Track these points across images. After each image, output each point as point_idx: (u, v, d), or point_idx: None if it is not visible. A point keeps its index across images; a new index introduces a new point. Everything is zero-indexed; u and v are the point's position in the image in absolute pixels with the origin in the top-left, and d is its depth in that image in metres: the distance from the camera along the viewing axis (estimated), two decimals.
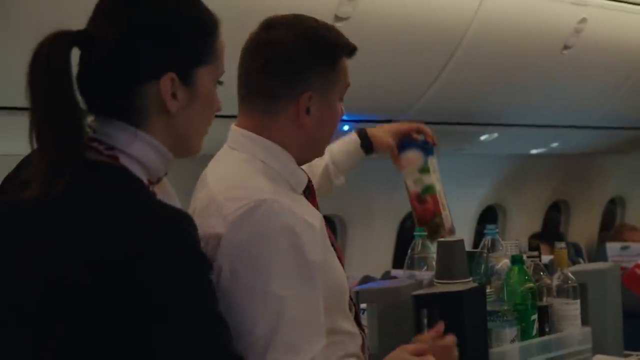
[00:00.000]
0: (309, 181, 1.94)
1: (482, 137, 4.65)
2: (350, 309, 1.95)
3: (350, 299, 1.97)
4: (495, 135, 4.64)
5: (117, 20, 1.47)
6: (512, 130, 4.69)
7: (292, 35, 1.81)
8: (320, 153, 1.96)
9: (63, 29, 1.42)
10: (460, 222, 5.22)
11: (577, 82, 4.36)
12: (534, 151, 5.41)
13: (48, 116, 1.40)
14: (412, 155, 2.25)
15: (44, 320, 1.42)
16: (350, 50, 1.86)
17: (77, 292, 1.38)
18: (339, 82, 1.85)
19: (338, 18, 3.09)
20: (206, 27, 1.53)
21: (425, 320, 2.10)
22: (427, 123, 4.10)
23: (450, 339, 1.91)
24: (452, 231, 2.39)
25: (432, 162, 2.28)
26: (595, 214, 6.38)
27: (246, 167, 1.81)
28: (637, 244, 5.06)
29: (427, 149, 2.27)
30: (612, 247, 5.07)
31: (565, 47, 4.01)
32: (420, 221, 2.36)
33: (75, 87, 1.42)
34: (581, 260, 4.58)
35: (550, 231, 5.64)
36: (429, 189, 2.20)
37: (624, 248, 4.99)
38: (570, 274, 2.43)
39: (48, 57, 1.39)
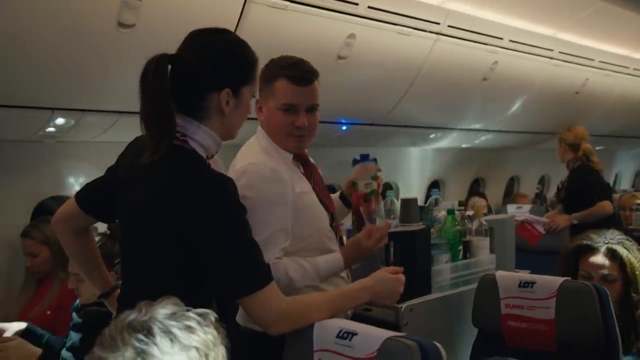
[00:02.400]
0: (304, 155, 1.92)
1: (431, 136, 4.60)
2: (334, 233, 1.92)
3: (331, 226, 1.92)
4: (440, 134, 4.60)
5: (199, 52, 1.46)
6: (450, 132, 4.65)
7: None
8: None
9: (163, 53, 1.42)
10: (417, 189, 5.23)
11: (491, 102, 4.34)
12: (463, 145, 5.35)
13: (153, 110, 1.40)
14: (369, 165, 2.03)
15: (150, 240, 1.44)
16: None
17: (165, 225, 1.40)
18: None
19: (340, 57, 3.05)
20: (251, 60, 1.52)
21: (392, 250, 2.10)
22: (396, 126, 4.15)
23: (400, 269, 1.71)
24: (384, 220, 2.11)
25: (374, 168, 2.05)
26: (501, 186, 6.32)
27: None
28: (526, 205, 5.02)
29: (373, 159, 2.06)
30: (510, 207, 5.03)
31: (484, 79, 3.96)
32: (362, 215, 2.06)
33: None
34: (490, 214, 4.53)
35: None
36: (373, 192, 1.99)
37: (518, 207, 4.95)
38: (483, 221, 2.41)
39: (154, 70, 1.39)
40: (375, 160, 2.05)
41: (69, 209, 1.65)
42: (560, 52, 4.39)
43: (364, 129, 3.93)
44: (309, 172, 1.91)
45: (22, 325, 2.29)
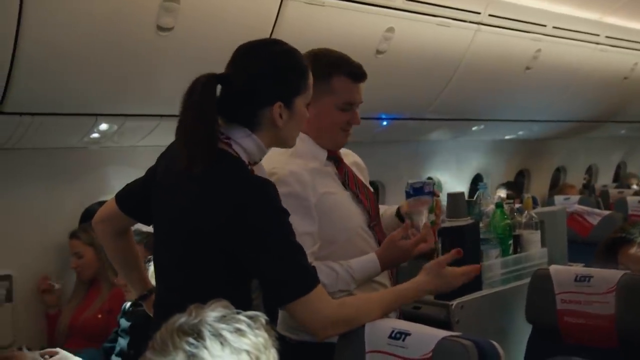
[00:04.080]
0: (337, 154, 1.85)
1: (474, 128, 4.51)
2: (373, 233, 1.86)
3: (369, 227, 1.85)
4: (482, 126, 4.51)
5: (247, 69, 1.45)
6: (493, 124, 4.55)
7: None
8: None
9: (211, 72, 1.41)
10: (462, 183, 5.15)
11: (535, 92, 4.22)
12: (507, 137, 5.24)
13: (195, 126, 1.38)
14: (423, 200, 1.93)
15: (187, 249, 1.43)
16: None
17: (206, 232, 1.38)
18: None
19: (378, 52, 3.01)
20: (301, 70, 1.48)
21: (440, 245, 2.05)
22: (437, 120, 4.07)
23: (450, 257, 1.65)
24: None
25: (438, 202, 1.98)
26: (546, 177, 6.16)
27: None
28: (575, 196, 4.88)
29: (429, 192, 1.94)
30: (558, 199, 4.88)
31: (527, 68, 3.86)
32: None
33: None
34: (537, 207, 4.42)
35: (518, 187, 5.47)
36: (432, 224, 1.93)
37: (566, 199, 4.81)
38: (533, 214, 2.33)
39: (202, 91, 1.37)
40: (431, 192, 1.93)
41: (109, 210, 1.65)
42: (606, 37, 4.24)
43: (405, 124, 3.88)
44: (342, 169, 1.86)
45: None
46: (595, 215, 4.00)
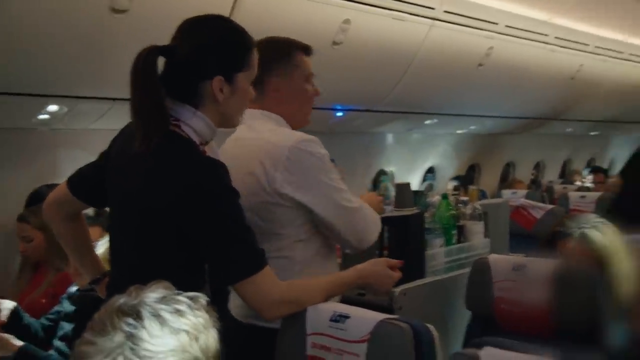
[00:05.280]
0: None
1: (427, 122, 4.58)
2: None
3: None
4: (436, 120, 4.58)
5: (189, 40, 1.43)
6: (446, 118, 4.63)
7: None
8: None
9: (154, 44, 1.40)
10: (414, 175, 5.23)
11: (487, 88, 4.31)
12: (459, 131, 5.33)
13: (143, 102, 1.37)
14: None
15: (143, 227, 1.42)
16: None
17: (157, 211, 1.38)
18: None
19: (335, 43, 3.02)
20: (245, 47, 1.48)
21: (386, 234, 2.10)
22: (391, 112, 4.13)
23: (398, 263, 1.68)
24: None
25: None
26: (496, 172, 6.32)
27: None
28: (522, 191, 5.01)
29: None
30: (505, 193, 5.01)
31: (480, 65, 3.94)
32: None
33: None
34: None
35: (468, 181, 5.58)
36: None
37: (513, 193, 4.94)
38: (478, 206, 2.41)
39: (144, 61, 1.36)
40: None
41: (61, 193, 1.63)
42: (555, 37, 4.37)
43: (360, 115, 3.92)
44: None
45: (12, 304, 2.29)
46: (539, 210, 4.13)
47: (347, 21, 2.98)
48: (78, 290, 2.37)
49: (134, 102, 1.38)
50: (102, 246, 2.09)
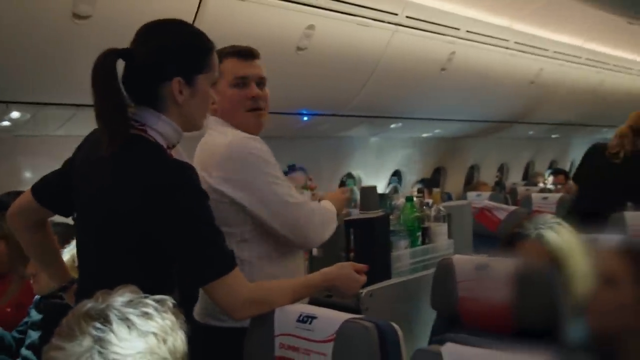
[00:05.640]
0: None
1: (392, 126, 4.64)
2: None
3: None
4: (400, 124, 4.65)
5: (147, 43, 1.44)
6: (410, 122, 4.70)
7: None
8: None
9: (113, 47, 1.40)
10: (380, 178, 5.29)
11: (450, 92, 4.40)
12: (424, 135, 5.42)
13: (105, 105, 1.38)
14: (297, 177, 2.03)
15: (109, 233, 1.42)
16: None
17: (123, 214, 1.38)
18: None
19: (299, 48, 3.06)
20: (203, 49, 1.48)
21: (352, 237, 2.13)
22: (357, 116, 4.18)
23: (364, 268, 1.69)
24: None
25: (305, 177, 2.06)
26: (461, 175, 6.44)
27: None
28: (486, 193, 5.12)
29: (306, 171, 2.07)
30: (470, 195, 5.11)
31: (442, 69, 4.02)
32: None
33: (121, 84, 1.40)
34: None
35: (433, 184, 5.66)
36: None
37: (477, 195, 5.04)
38: (442, 208, 2.46)
39: (103, 64, 1.37)
40: (302, 169, 2.06)
41: (25, 202, 1.61)
42: (515, 42, 4.49)
43: (326, 120, 3.95)
44: None
45: None
46: (503, 211, 4.23)
47: (311, 27, 3.02)
48: (42, 298, 2.34)
49: (96, 104, 1.38)
50: (67, 253, 2.07)
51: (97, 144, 1.42)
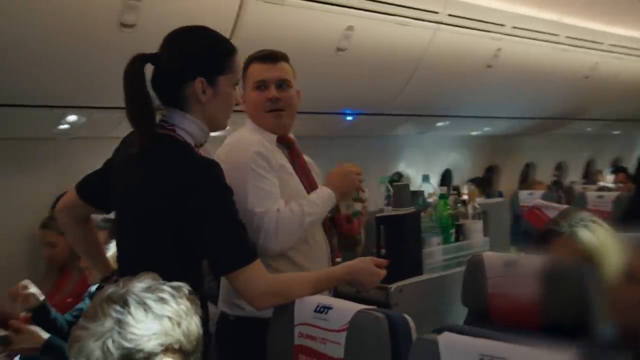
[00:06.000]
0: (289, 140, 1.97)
1: (439, 124, 4.63)
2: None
3: None
4: (447, 122, 4.63)
5: (172, 48, 1.55)
6: (457, 120, 4.67)
7: None
8: None
9: (141, 52, 1.52)
10: (431, 177, 5.26)
11: (497, 89, 4.33)
12: (473, 133, 5.36)
13: (134, 106, 1.49)
14: None
15: (143, 226, 1.52)
16: None
17: (155, 210, 1.48)
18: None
19: (339, 49, 3.11)
20: (225, 51, 1.58)
21: (383, 233, 2.16)
22: (401, 115, 4.20)
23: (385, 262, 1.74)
24: (363, 245, 2.11)
25: (362, 194, 2.00)
26: (516, 173, 6.32)
27: None
28: (539, 191, 5.02)
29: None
30: (522, 193, 5.03)
31: (488, 66, 3.98)
32: (345, 236, 2.04)
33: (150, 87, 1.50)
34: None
35: (485, 183, 5.59)
36: (356, 214, 1.98)
37: (530, 194, 4.95)
38: (477, 205, 2.46)
39: (132, 69, 1.48)
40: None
41: (71, 199, 1.75)
42: (566, 37, 4.38)
43: (370, 119, 3.99)
44: (295, 156, 1.97)
45: (42, 296, 2.41)
46: (553, 210, 4.13)
47: (350, 28, 3.07)
48: (97, 287, 2.50)
49: (126, 106, 1.49)
50: (112, 248, 2.21)
51: (131, 144, 1.53)
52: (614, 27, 4.67)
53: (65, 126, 2.83)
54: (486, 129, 5.22)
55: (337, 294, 1.95)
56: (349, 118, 3.78)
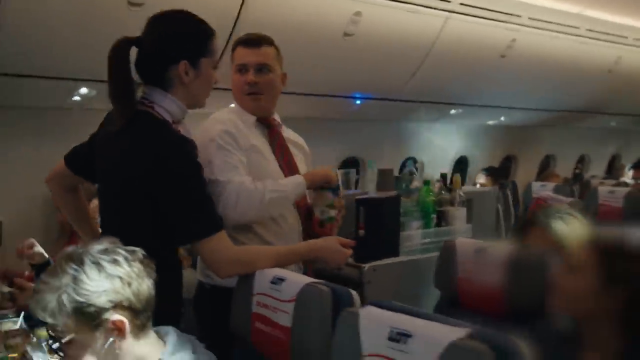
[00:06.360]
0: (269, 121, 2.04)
1: (452, 112, 4.63)
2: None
3: None
4: (460, 110, 4.62)
5: (156, 31, 1.64)
6: (471, 108, 4.65)
7: None
8: None
9: (126, 36, 1.61)
10: (444, 164, 5.30)
11: (512, 79, 4.31)
12: (490, 122, 5.34)
13: (117, 86, 1.59)
14: (325, 194, 1.99)
15: (121, 197, 1.63)
16: None
17: (133, 183, 1.58)
18: None
19: (346, 34, 3.15)
20: (205, 35, 1.67)
21: (361, 214, 2.24)
22: (411, 101, 4.23)
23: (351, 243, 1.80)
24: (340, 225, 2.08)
25: (338, 201, 2.00)
26: (534, 164, 6.26)
27: None
28: (552, 183, 5.00)
29: (335, 191, 2.00)
30: (535, 185, 5.02)
31: (502, 56, 3.97)
32: (316, 234, 2.00)
33: (132, 68, 1.59)
34: (508, 192, 4.55)
35: (500, 173, 5.56)
36: (330, 220, 1.99)
37: (542, 186, 4.94)
38: (461, 193, 2.51)
39: (117, 50, 1.58)
40: (337, 189, 2.02)
41: (60, 168, 1.88)
42: (587, 30, 4.31)
43: (381, 104, 4.03)
44: (273, 137, 2.04)
45: (46, 255, 2.57)
46: (558, 202, 4.15)
47: (358, 13, 3.11)
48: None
49: (109, 85, 1.59)
50: None
51: (111, 123, 1.64)
52: (638, 20, 4.57)
53: (78, 98, 2.98)
54: (502, 118, 5.19)
55: (316, 272, 2.06)
56: (358, 102, 3.84)
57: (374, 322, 1.15)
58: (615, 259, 1.48)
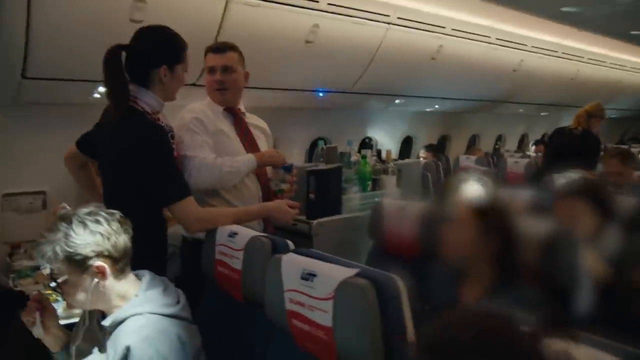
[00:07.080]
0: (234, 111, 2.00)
1: (397, 101, 4.59)
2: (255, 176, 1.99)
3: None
4: (403, 100, 4.58)
5: (143, 41, 1.61)
6: (410, 99, 4.59)
7: None
8: None
9: (119, 43, 1.57)
10: (394, 142, 5.26)
11: (441, 76, 4.24)
12: (428, 109, 5.30)
13: (114, 85, 1.56)
14: (279, 172, 2.00)
15: (114, 171, 1.62)
16: None
17: (121, 160, 1.56)
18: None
19: (307, 42, 3.10)
20: (181, 46, 1.65)
21: (312, 182, 2.23)
22: (362, 93, 4.16)
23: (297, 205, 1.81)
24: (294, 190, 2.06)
25: (287, 176, 1.99)
26: (463, 142, 6.25)
27: None
28: (474, 156, 5.00)
29: (288, 169, 1.99)
30: (462, 158, 5.04)
31: (433, 58, 3.91)
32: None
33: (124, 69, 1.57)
34: (440, 164, 4.52)
35: (437, 149, 5.54)
36: (280, 191, 1.99)
37: (467, 158, 4.95)
38: (392, 164, 2.50)
39: (111, 55, 1.54)
40: (289, 167, 2.01)
41: (73, 150, 1.87)
42: (496, 39, 4.27)
43: (339, 96, 3.97)
44: (237, 123, 2.02)
45: None
46: (476, 171, 4.17)
47: (316, 25, 3.04)
48: None
49: (106, 85, 1.56)
50: None
51: (108, 115, 1.62)
52: (535, 32, 4.54)
53: (97, 95, 2.91)
54: (436, 106, 5.15)
55: (276, 227, 2.06)
56: (320, 94, 3.79)
57: (291, 265, 1.15)
58: (489, 215, 1.49)
